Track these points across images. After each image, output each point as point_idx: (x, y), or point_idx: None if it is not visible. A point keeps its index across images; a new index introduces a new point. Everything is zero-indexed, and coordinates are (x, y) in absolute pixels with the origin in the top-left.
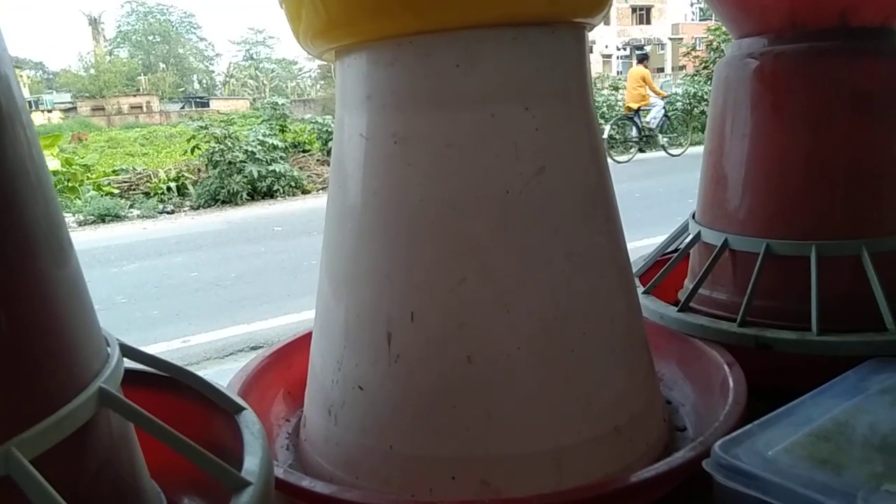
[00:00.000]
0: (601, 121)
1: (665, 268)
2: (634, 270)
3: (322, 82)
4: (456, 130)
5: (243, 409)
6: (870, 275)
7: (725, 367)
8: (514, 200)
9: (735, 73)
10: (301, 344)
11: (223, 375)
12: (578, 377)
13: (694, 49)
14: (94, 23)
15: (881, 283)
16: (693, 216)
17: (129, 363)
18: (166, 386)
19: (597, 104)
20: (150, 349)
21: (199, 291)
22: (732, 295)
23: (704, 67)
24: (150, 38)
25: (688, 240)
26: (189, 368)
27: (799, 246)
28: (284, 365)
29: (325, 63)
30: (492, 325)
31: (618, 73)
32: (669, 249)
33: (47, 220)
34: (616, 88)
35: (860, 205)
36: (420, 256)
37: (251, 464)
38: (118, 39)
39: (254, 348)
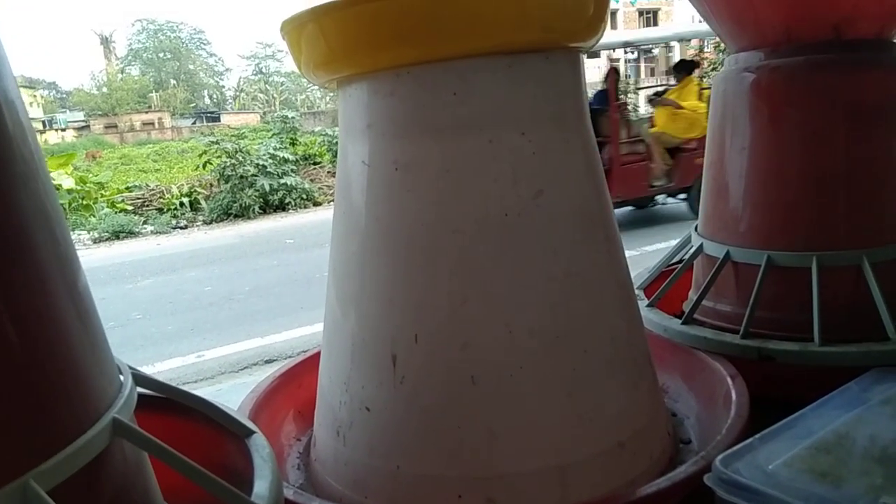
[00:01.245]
0: None
1: (668, 281)
2: (639, 283)
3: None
4: (454, 157)
5: (253, 432)
6: (871, 284)
7: (728, 379)
8: (513, 223)
9: (732, 87)
10: (310, 364)
11: (238, 389)
12: (581, 394)
13: (702, 51)
14: (106, 42)
15: (882, 292)
16: (696, 228)
17: (141, 389)
18: (178, 411)
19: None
20: (166, 364)
21: (212, 306)
22: (736, 306)
23: (713, 69)
24: (161, 55)
25: (690, 252)
26: (204, 383)
27: (800, 257)
28: (295, 385)
29: None
30: (494, 345)
31: (626, 76)
32: (673, 261)
33: (60, 252)
34: (625, 93)
35: (859, 215)
36: (422, 279)
37: (261, 488)
38: (129, 57)
39: (268, 361)
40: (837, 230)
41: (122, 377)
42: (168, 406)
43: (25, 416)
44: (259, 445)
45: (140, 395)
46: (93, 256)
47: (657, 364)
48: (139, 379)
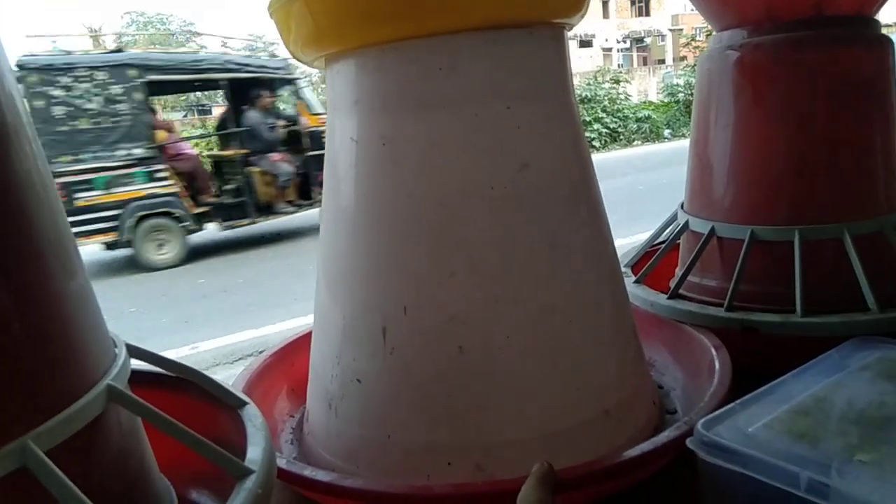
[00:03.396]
0: (602, 114)
1: (654, 258)
2: (626, 261)
3: (323, 86)
4: (440, 131)
5: (246, 403)
6: (852, 257)
7: (713, 350)
8: (498, 196)
9: (716, 65)
10: (302, 343)
11: (233, 379)
12: (566, 364)
13: (694, 39)
14: (95, 34)
15: (863, 264)
16: (681, 206)
17: (135, 363)
18: (172, 385)
19: (598, 98)
20: None
21: (206, 298)
22: (721, 281)
23: None
24: (151, 47)
25: (676, 229)
26: None
27: (782, 231)
28: (287, 363)
29: None
30: (481, 317)
31: (619, 65)
32: (659, 240)
33: (54, 230)
34: (617, 82)
35: (840, 189)
36: (411, 252)
37: (254, 453)
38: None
39: (262, 352)
40: (819, 205)
41: (116, 349)
42: (162, 380)
43: (23, 382)
44: (252, 415)
45: (134, 371)
46: (86, 249)
47: (644, 338)
48: (133, 350)
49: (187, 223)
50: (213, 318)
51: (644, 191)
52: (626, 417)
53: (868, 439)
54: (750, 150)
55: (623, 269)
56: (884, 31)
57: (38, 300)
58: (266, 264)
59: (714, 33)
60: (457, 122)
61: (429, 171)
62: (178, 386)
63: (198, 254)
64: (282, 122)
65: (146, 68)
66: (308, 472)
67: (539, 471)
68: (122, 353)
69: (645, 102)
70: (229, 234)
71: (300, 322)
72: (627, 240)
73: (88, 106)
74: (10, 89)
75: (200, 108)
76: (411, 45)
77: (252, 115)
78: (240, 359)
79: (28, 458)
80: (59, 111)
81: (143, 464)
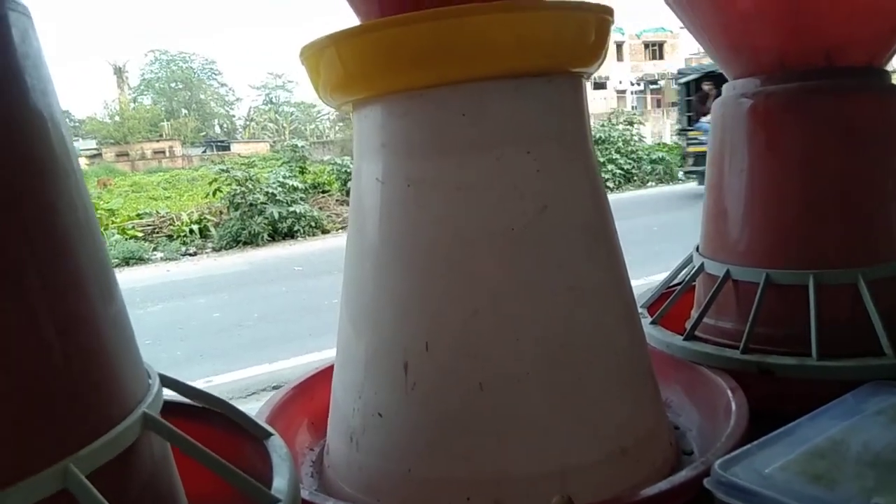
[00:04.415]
0: (617, 155)
1: (670, 299)
2: (643, 302)
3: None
4: (464, 174)
5: (271, 434)
6: (867, 302)
7: (729, 392)
8: (519, 237)
9: (730, 112)
10: (323, 377)
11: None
12: (583, 402)
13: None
14: (119, 72)
15: (877, 309)
16: (697, 249)
17: (166, 393)
18: (201, 415)
19: (612, 139)
20: None
21: (222, 332)
22: (736, 323)
23: None
24: (173, 85)
25: (692, 272)
26: None
27: (798, 275)
28: (307, 397)
29: None
30: (502, 354)
31: (632, 107)
32: (675, 282)
33: (96, 261)
34: (631, 123)
35: (855, 234)
36: (434, 291)
37: (280, 483)
38: (142, 87)
39: (276, 387)
40: (833, 249)
41: (150, 379)
42: (191, 412)
43: (65, 409)
44: (277, 446)
45: (165, 402)
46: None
47: (661, 379)
48: (165, 381)
49: None
50: (227, 353)
51: (658, 232)
52: (643, 456)
53: (884, 482)
54: (764, 195)
55: (640, 310)
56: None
57: (81, 327)
58: (280, 299)
59: (728, 81)
60: (479, 166)
61: (452, 213)
62: (206, 416)
63: (213, 288)
64: None
65: None
66: (330, 503)
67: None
68: (156, 382)
69: (659, 144)
70: (244, 268)
71: (314, 358)
72: (642, 280)
73: None
74: (61, 129)
75: (219, 143)
76: (436, 92)
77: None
78: (253, 393)
79: (70, 481)
80: None
81: (171, 491)
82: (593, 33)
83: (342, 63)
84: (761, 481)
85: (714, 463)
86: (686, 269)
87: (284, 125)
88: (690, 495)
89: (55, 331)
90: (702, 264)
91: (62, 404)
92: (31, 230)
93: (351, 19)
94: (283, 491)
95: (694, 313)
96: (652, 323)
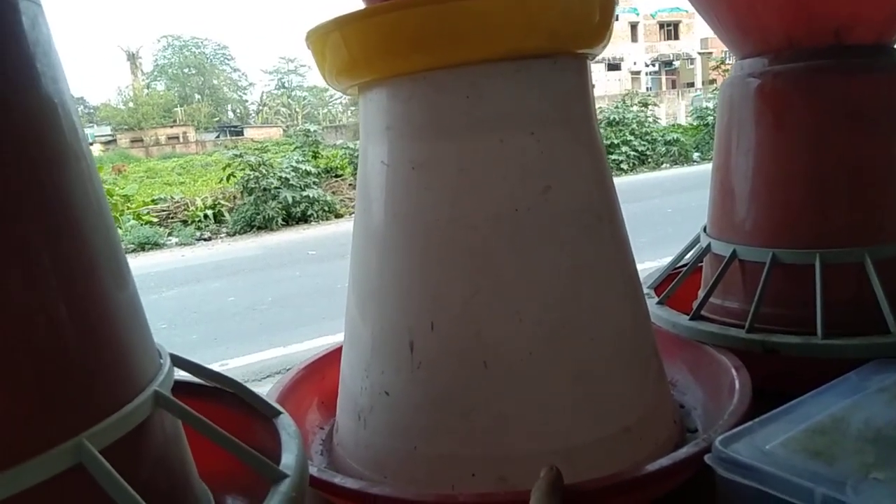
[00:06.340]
0: (631, 136)
1: (676, 280)
2: (649, 283)
3: (353, 108)
4: (467, 156)
5: (280, 413)
6: (873, 281)
7: (733, 370)
8: (522, 218)
9: (738, 92)
10: (333, 357)
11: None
12: (587, 380)
13: (723, 62)
14: (133, 58)
15: (884, 288)
16: (704, 229)
17: (180, 374)
18: (212, 395)
19: (626, 121)
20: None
21: (236, 316)
22: (742, 303)
23: None
24: (186, 70)
25: (699, 252)
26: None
27: (804, 254)
28: (318, 377)
29: None
30: (505, 333)
31: (647, 89)
32: (682, 262)
33: (108, 245)
34: (645, 105)
35: (862, 214)
36: (438, 272)
37: (288, 459)
38: (155, 73)
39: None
40: (840, 229)
41: (161, 359)
42: (201, 391)
43: (78, 383)
44: (286, 424)
45: (175, 382)
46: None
47: (666, 359)
48: (175, 360)
49: None
50: (241, 336)
51: (672, 213)
52: (646, 435)
53: (884, 458)
54: (771, 175)
55: (646, 291)
56: None
57: (93, 308)
58: (294, 283)
59: (736, 60)
60: (483, 148)
61: (456, 194)
62: (215, 395)
63: (227, 272)
64: None
65: None
66: (338, 479)
67: (548, 475)
68: (167, 361)
69: (674, 125)
70: (258, 252)
71: (327, 340)
72: (654, 262)
73: None
74: (72, 115)
75: (233, 129)
76: (440, 75)
77: None
78: (267, 376)
79: (84, 455)
80: None
81: (184, 468)
82: (598, 13)
83: (347, 47)
84: (761, 457)
85: (715, 439)
86: (693, 250)
87: (297, 110)
88: (692, 471)
89: (70, 311)
90: (708, 244)
91: (75, 382)
92: (46, 215)
93: (356, 2)
94: (290, 466)
95: (700, 293)
96: (658, 303)
